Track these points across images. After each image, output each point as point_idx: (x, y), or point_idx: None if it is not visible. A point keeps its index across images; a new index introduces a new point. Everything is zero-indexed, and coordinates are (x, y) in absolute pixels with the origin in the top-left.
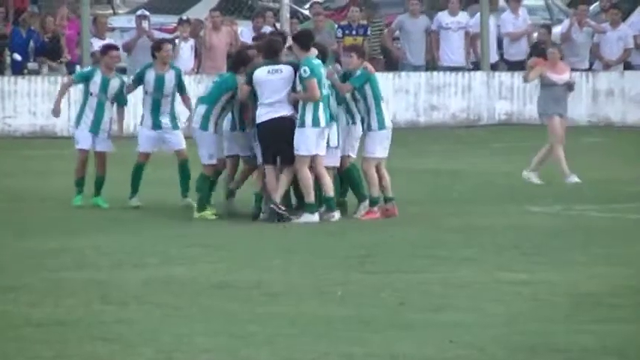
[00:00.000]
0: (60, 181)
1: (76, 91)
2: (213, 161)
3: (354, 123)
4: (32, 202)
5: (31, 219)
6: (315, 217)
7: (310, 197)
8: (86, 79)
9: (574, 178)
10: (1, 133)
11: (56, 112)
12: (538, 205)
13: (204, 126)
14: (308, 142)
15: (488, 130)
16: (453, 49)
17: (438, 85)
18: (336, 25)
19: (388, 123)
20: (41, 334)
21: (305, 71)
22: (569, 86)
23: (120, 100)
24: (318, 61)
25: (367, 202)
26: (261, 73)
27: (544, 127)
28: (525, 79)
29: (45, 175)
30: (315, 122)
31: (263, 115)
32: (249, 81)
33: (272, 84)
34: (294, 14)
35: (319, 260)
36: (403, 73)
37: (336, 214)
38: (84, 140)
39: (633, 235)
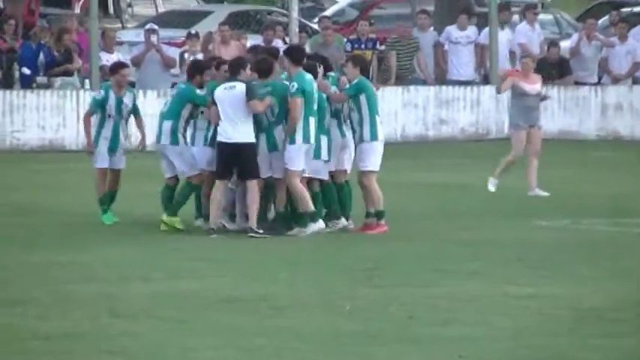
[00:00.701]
0: (68, 195)
1: (85, 106)
2: (197, 170)
3: (343, 136)
4: (41, 215)
5: (39, 233)
6: (320, 224)
7: (309, 206)
8: (102, 105)
9: (540, 192)
10: (9, 146)
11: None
12: (546, 219)
13: (174, 141)
14: (299, 158)
15: (497, 144)
16: (462, 64)
17: (447, 99)
18: (345, 39)
19: (381, 136)
20: (48, 347)
21: (293, 87)
22: (542, 97)
23: (136, 112)
24: (309, 77)
25: (342, 220)
26: (218, 91)
27: (555, 142)
28: (498, 91)
29: (53, 189)
30: (306, 138)
31: (223, 134)
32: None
33: (231, 100)
34: (302, 28)
35: (326, 273)
36: (412, 87)
37: (309, 230)
38: (103, 159)
39: None
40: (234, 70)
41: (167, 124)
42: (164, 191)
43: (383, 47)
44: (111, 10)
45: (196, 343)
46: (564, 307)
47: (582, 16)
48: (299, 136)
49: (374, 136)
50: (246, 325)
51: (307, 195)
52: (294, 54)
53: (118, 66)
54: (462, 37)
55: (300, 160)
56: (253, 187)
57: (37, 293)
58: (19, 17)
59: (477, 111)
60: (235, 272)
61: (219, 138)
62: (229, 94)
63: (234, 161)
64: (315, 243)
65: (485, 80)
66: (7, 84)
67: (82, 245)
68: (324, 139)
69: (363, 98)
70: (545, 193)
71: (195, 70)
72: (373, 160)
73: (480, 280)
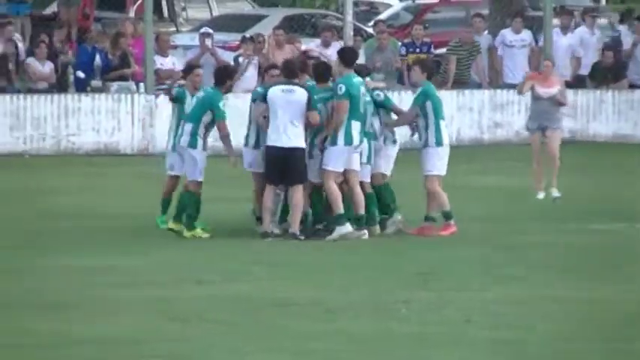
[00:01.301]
0: (123, 198)
1: (140, 110)
2: (200, 178)
3: (393, 142)
4: (95, 219)
5: (94, 236)
6: (347, 227)
7: (340, 209)
8: (181, 100)
9: (542, 195)
10: (64, 150)
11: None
12: (599, 223)
13: (192, 143)
14: (338, 159)
15: None
16: (517, 67)
17: (501, 102)
18: (400, 43)
19: (446, 141)
20: (99, 352)
21: (340, 89)
22: (558, 101)
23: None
24: (358, 79)
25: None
26: (274, 92)
27: (609, 145)
28: (519, 92)
29: (108, 193)
30: (348, 140)
31: (273, 138)
32: (263, 99)
33: (288, 104)
34: (357, 32)
35: (380, 276)
36: (467, 91)
37: (366, 232)
38: (179, 167)
39: None
40: (290, 73)
41: (188, 127)
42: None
43: (438, 51)
44: (165, 13)
45: (250, 347)
46: (616, 311)
47: (625, 17)
48: (341, 139)
49: (439, 142)
50: (300, 328)
51: (339, 197)
52: (347, 55)
53: (192, 67)
54: (516, 40)
55: (338, 161)
56: (299, 191)
57: (89, 297)
58: (73, 21)
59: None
60: (289, 276)
61: (269, 142)
62: (287, 97)
63: (284, 166)
64: (369, 246)
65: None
66: (62, 88)
67: (136, 249)
68: (365, 143)
69: (429, 104)
70: (541, 196)
71: (226, 75)
72: (438, 165)
73: (534, 283)
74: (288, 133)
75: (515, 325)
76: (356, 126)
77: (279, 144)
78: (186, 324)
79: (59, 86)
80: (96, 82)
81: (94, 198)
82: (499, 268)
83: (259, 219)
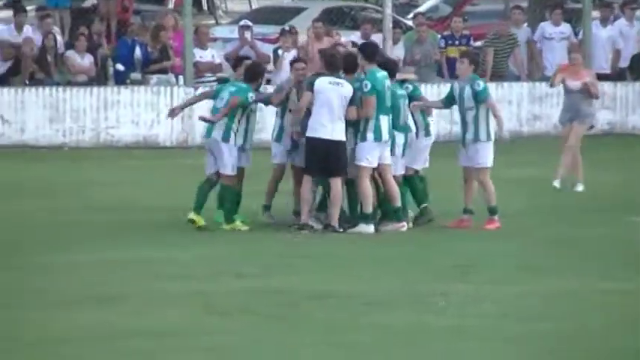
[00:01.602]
0: (162, 191)
1: (179, 102)
2: (233, 172)
3: (427, 134)
4: (134, 212)
5: (133, 230)
6: (370, 229)
7: (368, 208)
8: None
9: (558, 184)
10: (103, 143)
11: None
12: (637, 216)
13: (226, 137)
14: (371, 154)
15: (591, 140)
16: (556, 60)
17: (540, 95)
18: (439, 36)
19: (493, 135)
20: (143, 344)
21: (366, 86)
22: (589, 93)
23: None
24: (382, 73)
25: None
26: (322, 83)
27: None
28: (550, 85)
29: (147, 186)
30: (377, 136)
31: (317, 130)
32: (311, 88)
33: (335, 97)
34: (396, 24)
35: (418, 270)
36: (506, 84)
37: (405, 224)
38: (247, 161)
39: None
40: (333, 66)
41: (221, 121)
42: (203, 186)
43: (478, 44)
44: (205, 6)
45: (291, 340)
46: None
47: None
48: (370, 134)
49: (489, 136)
50: (340, 321)
51: (371, 196)
52: (368, 50)
53: (241, 58)
54: (555, 32)
55: (371, 156)
56: (337, 185)
57: (132, 290)
58: (112, 14)
59: None
60: (328, 268)
61: (312, 133)
62: (336, 90)
63: (325, 158)
64: (407, 239)
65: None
66: (101, 80)
67: (176, 242)
68: (399, 136)
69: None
70: (557, 185)
71: (258, 73)
72: (490, 158)
73: (571, 276)
74: (333, 125)
75: (552, 319)
76: (384, 121)
77: (323, 136)
78: (228, 317)
79: (98, 79)
80: (135, 75)
81: (132, 191)
82: (537, 261)
83: (267, 207)
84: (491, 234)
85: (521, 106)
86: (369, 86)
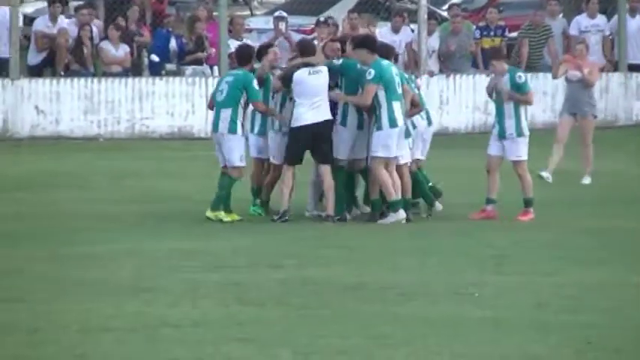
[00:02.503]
0: (197, 182)
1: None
2: (244, 163)
3: (428, 123)
4: (169, 203)
5: (168, 220)
6: (401, 215)
7: (392, 196)
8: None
9: (547, 175)
10: (138, 133)
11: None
12: None
13: (232, 129)
14: (388, 143)
15: (625, 132)
16: (592, 52)
17: None
18: (474, 27)
19: (525, 131)
20: (178, 335)
21: (369, 73)
22: (585, 83)
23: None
24: (387, 62)
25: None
26: (302, 74)
27: None
28: (553, 76)
29: (182, 177)
30: (393, 123)
31: (306, 117)
32: (286, 81)
33: (313, 84)
34: (431, 15)
35: (453, 260)
36: (541, 74)
37: (388, 220)
38: (265, 150)
39: None
40: (307, 53)
41: (225, 112)
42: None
43: (513, 34)
44: None
45: (325, 331)
46: None
47: None
48: (385, 122)
49: (526, 130)
50: (374, 312)
51: (390, 183)
52: (368, 43)
53: (266, 46)
54: (591, 25)
55: (389, 146)
56: (328, 173)
57: (166, 281)
58: (147, 5)
59: (606, 98)
60: (363, 260)
61: (298, 123)
62: (316, 79)
63: (311, 143)
64: (438, 229)
65: (615, 68)
66: (136, 71)
67: (211, 233)
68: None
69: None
70: (548, 177)
71: (247, 56)
72: (526, 151)
73: (606, 267)
74: (317, 110)
75: (588, 310)
76: (397, 107)
77: (307, 122)
78: (262, 308)
79: (135, 69)
80: (170, 66)
81: (168, 182)
82: (572, 251)
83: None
84: (525, 225)
85: (555, 97)
86: (372, 74)
